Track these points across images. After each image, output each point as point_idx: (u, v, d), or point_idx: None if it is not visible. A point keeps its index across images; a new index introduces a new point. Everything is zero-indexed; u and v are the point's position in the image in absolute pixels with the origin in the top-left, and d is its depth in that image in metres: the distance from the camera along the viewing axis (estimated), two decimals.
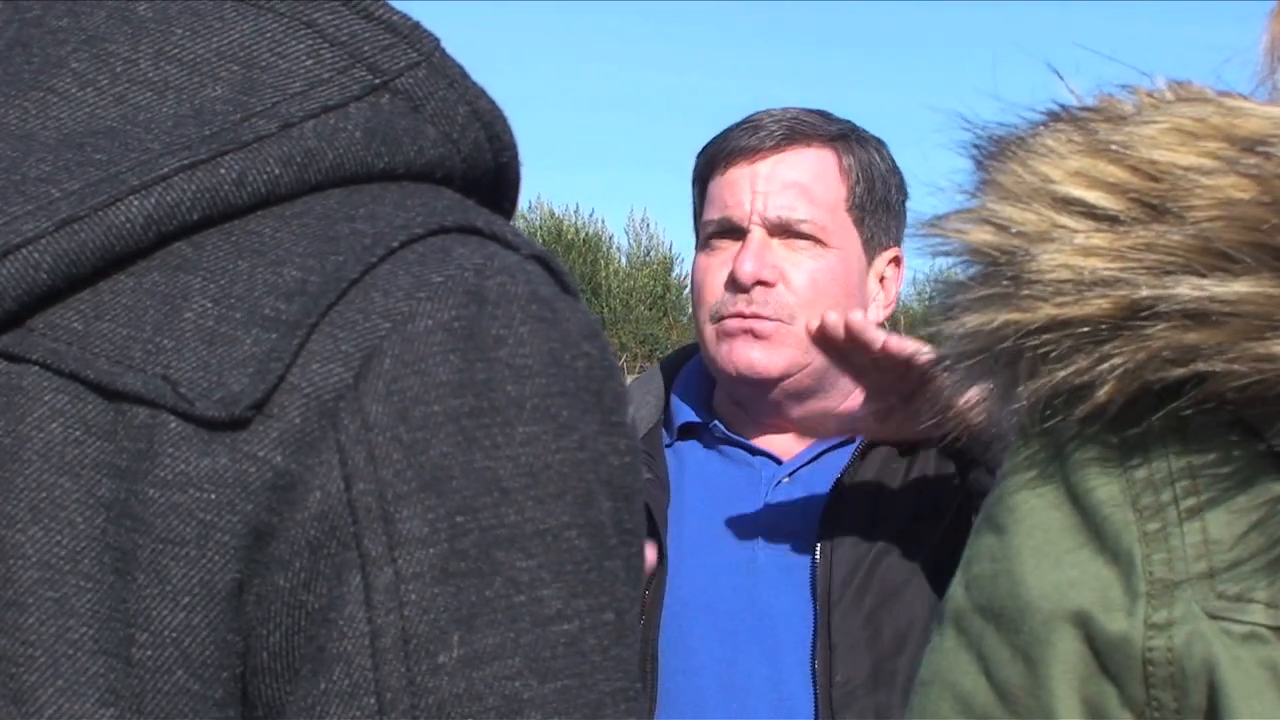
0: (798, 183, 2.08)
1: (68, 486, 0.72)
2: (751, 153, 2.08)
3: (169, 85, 0.77)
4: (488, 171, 0.85)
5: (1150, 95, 0.93)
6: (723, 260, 2.10)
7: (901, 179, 2.16)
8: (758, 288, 2.06)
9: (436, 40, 0.83)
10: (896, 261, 2.16)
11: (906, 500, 2.07)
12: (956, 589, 0.96)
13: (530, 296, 0.76)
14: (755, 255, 2.06)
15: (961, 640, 0.94)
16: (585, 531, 0.74)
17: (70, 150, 0.75)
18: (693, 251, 2.22)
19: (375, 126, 0.79)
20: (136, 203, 0.74)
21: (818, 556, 2.02)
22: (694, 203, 2.19)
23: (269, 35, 0.79)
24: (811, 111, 2.14)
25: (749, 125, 2.11)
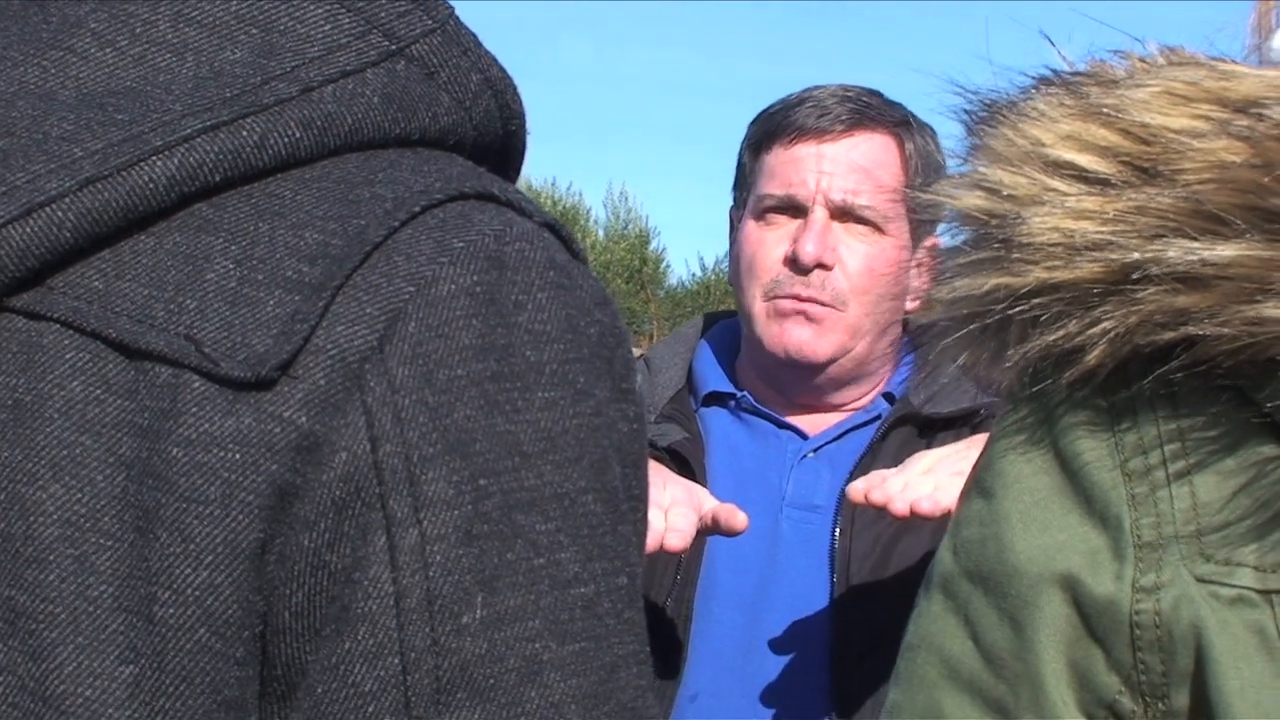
0: (863, 167, 2.09)
1: (88, 444, 0.72)
2: (820, 133, 2.09)
3: (188, 47, 0.77)
4: (497, 139, 0.86)
5: (1142, 60, 0.93)
6: (779, 237, 2.10)
7: (947, 170, 2.17)
8: (816, 270, 2.07)
9: (450, 8, 0.84)
10: (933, 249, 2.17)
11: None
12: (944, 553, 0.97)
13: (548, 263, 0.76)
14: (818, 237, 2.07)
15: (949, 604, 0.94)
16: (600, 496, 0.75)
17: (91, 110, 0.75)
18: (728, 221, 2.22)
19: (392, 92, 0.79)
20: (159, 163, 0.73)
21: (838, 531, 2.04)
22: (743, 168, 2.19)
23: None
24: (870, 92, 2.15)
25: (813, 104, 2.11)
